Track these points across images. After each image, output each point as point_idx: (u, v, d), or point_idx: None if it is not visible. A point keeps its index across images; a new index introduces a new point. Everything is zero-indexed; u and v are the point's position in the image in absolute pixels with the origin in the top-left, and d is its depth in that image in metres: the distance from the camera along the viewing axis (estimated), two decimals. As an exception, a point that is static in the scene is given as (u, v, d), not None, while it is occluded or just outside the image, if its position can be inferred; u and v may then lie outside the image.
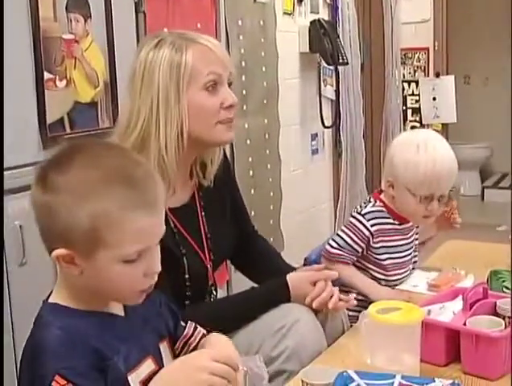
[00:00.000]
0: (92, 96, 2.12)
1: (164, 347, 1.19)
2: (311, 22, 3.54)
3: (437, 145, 1.79)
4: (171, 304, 1.26)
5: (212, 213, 1.67)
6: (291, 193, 3.45)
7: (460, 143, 4.83)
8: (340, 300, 1.61)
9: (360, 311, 1.59)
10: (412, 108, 4.95)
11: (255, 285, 1.76)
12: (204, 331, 1.29)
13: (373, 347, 1.39)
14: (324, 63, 3.68)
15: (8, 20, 1.77)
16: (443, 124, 4.87)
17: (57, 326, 1.04)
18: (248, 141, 3.07)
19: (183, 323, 1.27)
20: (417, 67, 4.91)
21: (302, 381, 1.29)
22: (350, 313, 1.73)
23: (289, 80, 3.47)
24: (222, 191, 1.72)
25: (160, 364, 1.15)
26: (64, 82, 2.00)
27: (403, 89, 4.89)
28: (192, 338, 1.26)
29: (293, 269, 1.76)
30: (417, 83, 4.90)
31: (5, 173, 1.71)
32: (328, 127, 3.83)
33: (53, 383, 0.99)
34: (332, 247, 1.84)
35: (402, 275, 1.91)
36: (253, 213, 2.73)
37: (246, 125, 3.05)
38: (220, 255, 1.70)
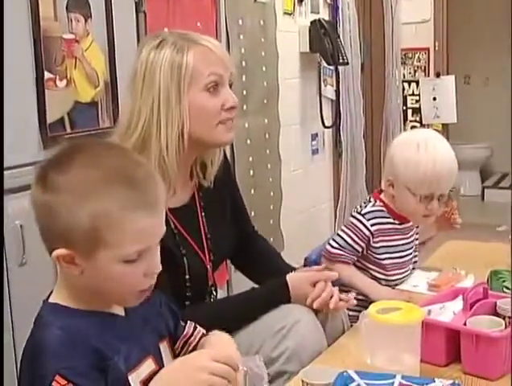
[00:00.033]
0: (92, 95, 2.12)
1: (164, 347, 1.19)
2: (311, 22, 3.54)
3: (437, 145, 1.79)
4: (171, 304, 1.26)
5: (212, 213, 1.67)
6: (291, 193, 3.45)
7: (460, 143, 4.82)
8: (340, 300, 1.61)
9: (360, 311, 1.59)
10: (412, 108, 4.95)
11: (255, 286, 1.76)
12: (204, 331, 1.29)
13: (374, 347, 1.39)
14: (324, 63, 3.68)
15: (8, 20, 1.77)
16: (443, 124, 4.87)
17: (57, 326, 1.04)
18: (248, 141, 3.07)
19: (182, 323, 1.27)
20: (417, 67, 4.91)
21: (302, 381, 1.28)
22: (350, 313, 1.73)
23: (289, 80, 3.47)
24: (222, 192, 1.72)
25: (160, 364, 1.15)
26: (65, 82, 2.00)
27: (403, 89, 4.88)
28: (192, 338, 1.26)
29: (293, 269, 1.76)
30: (417, 83, 4.90)
31: (5, 172, 1.70)
32: (328, 127, 3.83)
33: (53, 383, 0.99)
34: (332, 247, 1.84)
35: (403, 275, 1.92)
36: (253, 213, 2.73)
37: (246, 125, 3.05)
38: (220, 255, 1.70)
